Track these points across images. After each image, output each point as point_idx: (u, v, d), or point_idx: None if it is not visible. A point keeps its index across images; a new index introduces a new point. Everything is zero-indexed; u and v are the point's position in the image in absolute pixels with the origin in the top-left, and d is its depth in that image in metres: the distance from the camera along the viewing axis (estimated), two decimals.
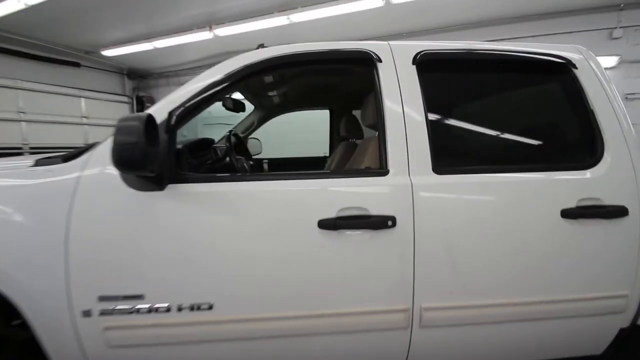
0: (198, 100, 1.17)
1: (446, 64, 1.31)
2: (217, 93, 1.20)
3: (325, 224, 1.11)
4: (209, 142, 1.86)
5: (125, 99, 7.27)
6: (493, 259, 1.16)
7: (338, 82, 2.14)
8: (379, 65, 1.26)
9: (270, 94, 2.19)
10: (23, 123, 5.39)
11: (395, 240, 1.13)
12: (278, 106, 2.64)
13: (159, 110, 1.16)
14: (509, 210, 1.17)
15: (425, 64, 1.27)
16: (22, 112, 5.37)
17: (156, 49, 5.28)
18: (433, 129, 1.21)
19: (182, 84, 1.24)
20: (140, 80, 7.35)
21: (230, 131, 1.78)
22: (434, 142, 1.19)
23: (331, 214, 1.12)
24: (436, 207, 1.15)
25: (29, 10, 3.95)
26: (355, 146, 2.39)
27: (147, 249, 1.09)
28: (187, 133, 6.93)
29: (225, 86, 1.20)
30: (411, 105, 1.21)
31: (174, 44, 5.06)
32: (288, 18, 4.20)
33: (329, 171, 1.21)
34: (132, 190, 1.10)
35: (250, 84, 2.00)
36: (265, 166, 2.85)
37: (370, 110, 1.45)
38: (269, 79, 1.84)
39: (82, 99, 6.20)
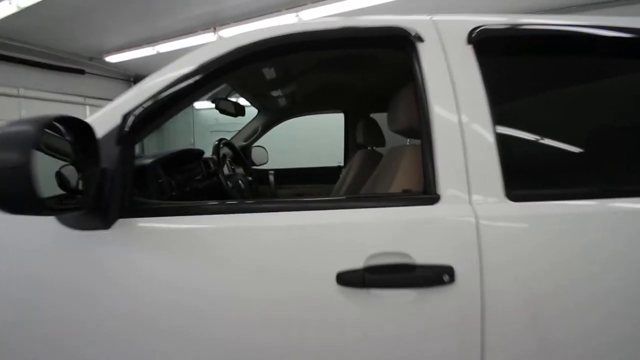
0: (167, 98, 0.83)
1: (515, 44, 0.93)
2: (197, 86, 0.86)
3: (349, 279, 0.74)
4: (196, 154, 1.51)
5: None
6: (611, 330, 0.77)
7: (357, 75, 1.74)
8: (420, 46, 0.89)
9: (274, 93, 1.84)
10: None
11: (454, 303, 0.75)
12: (284, 109, 2.30)
13: (109, 114, 0.82)
14: (631, 254, 0.77)
15: (486, 44, 0.89)
16: None
17: (160, 54, 5.03)
18: (503, 133, 0.83)
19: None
20: None
21: (220, 140, 1.41)
22: (506, 152, 0.81)
23: (357, 262, 0.75)
24: (515, 252, 0.76)
25: (24, 14, 3.75)
26: (378, 156, 2.02)
27: (86, 318, 0.74)
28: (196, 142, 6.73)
29: (208, 76, 0.86)
30: (469, 102, 0.84)
31: (178, 48, 4.79)
32: (297, 15, 3.87)
33: (349, 197, 0.84)
34: (62, 229, 0.75)
35: (249, 81, 1.65)
36: (272, 178, 2.50)
37: (404, 110, 1.08)
38: (270, 73, 1.49)
39: (87, 107, 6.02)
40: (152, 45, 4.83)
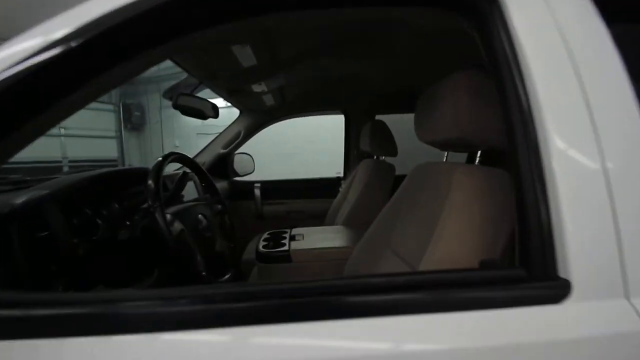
0: (35, 76, 0.42)
1: None
2: (98, 59, 0.46)
3: None
4: (138, 174, 1.05)
5: (111, 107, 6.61)
6: None
7: (363, 61, 1.28)
8: (506, 1, 0.49)
9: (256, 88, 1.43)
10: None
11: None
12: (271, 109, 1.90)
13: None
14: None
15: None
16: None
17: None
18: None
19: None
20: (128, 86, 6.66)
21: (167, 156, 0.93)
22: None
23: None
24: None
25: None
26: (388, 169, 1.63)
27: None
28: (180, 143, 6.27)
29: (120, 39, 0.46)
30: (612, 97, 0.44)
31: None
32: None
33: (366, 281, 0.44)
34: None
35: (220, 68, 1.19)
36: (257, 192, 2.09)
37: (453, 110, 0.67)
38: (249, 59, 1.06)
39: None
40: None
